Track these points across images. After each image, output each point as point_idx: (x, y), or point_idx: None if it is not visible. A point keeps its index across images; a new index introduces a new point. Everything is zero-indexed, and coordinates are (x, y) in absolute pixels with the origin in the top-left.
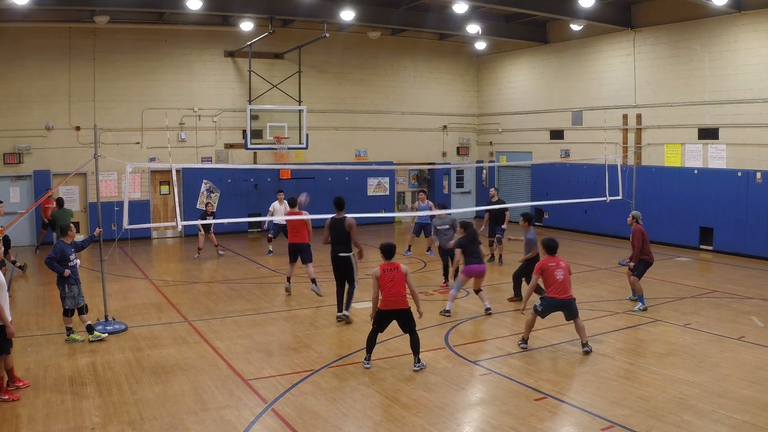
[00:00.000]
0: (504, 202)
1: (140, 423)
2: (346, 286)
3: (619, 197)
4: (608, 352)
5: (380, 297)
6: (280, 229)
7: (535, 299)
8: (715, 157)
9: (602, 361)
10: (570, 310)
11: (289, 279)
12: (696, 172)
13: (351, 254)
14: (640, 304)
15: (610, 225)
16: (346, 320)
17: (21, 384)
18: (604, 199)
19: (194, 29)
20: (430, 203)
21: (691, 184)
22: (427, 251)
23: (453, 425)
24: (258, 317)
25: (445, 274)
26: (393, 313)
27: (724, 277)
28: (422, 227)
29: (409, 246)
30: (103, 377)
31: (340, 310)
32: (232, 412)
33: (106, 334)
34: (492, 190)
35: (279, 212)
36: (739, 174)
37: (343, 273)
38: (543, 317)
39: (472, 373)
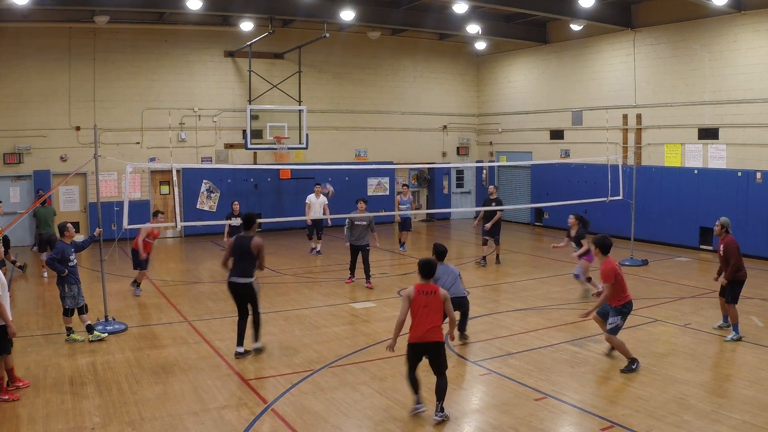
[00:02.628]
0: (501, 202)
1: (140, 423)
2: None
3: (620, 197)
4: (608, 352)
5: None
6: (315, 225)
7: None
8: (715, 157)
9: (602, 361)
10: None
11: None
12: (696, 172)
13: (253, 280)
14: (734, 333)
15: (610, 225)
16: (258, 352)
17: (21, 384)
18: (605, 199)
19: (194, 29)
20: (412, 198)
21: (691, 184)
22: (400, 246)
23: (453, 425)
24: None
25: (352, 269)
26: (423, 347)
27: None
28: (405, 220)
29: (402, 242)
30: (103, 377)
31: (240, 344)
32: (232, 412)
33: (106, 334)
34: (491, 188)
35: (315, 206)
36: (739, 174)
37: (245, 300)
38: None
39: (472, 373)
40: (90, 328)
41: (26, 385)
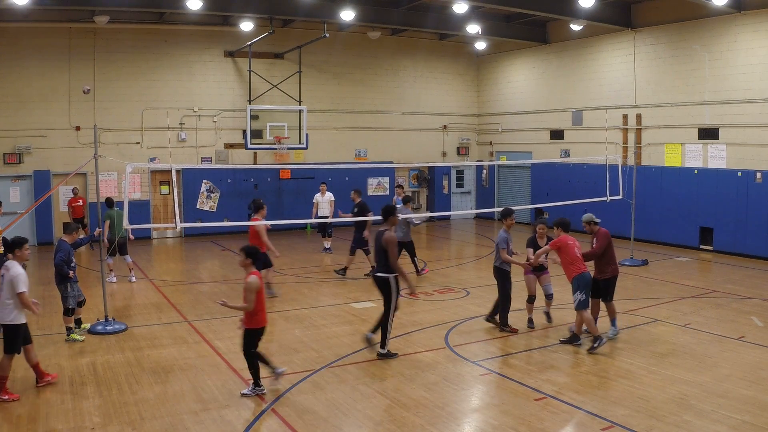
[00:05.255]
0: (366, 207)
1: (140, 423)
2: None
3: (620, 197)
4: (608, 352)
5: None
6: (323, 223)
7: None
8: (715, 157)
9: (602, 361)
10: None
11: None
12: (696, 172)
13: (392, 276)
14: (613, 328)
15: (610, 225)
16: (369, 344)
17: (50, 378)
18: (605, 199)
19: (194, 29)
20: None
21: (691, 184)
22: None
23: (453, 425)
24: None
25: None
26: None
27: (724, 277)
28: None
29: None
30: (103, 377)
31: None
32: (232, 412)
33: (83, 338)
34: (353, 193)
35: (322, 204)
36: (739, 174)
37: (382, 295)
38: (589, 303)
39: (472, 373)
40: (78, 322)
41: (54, 378)
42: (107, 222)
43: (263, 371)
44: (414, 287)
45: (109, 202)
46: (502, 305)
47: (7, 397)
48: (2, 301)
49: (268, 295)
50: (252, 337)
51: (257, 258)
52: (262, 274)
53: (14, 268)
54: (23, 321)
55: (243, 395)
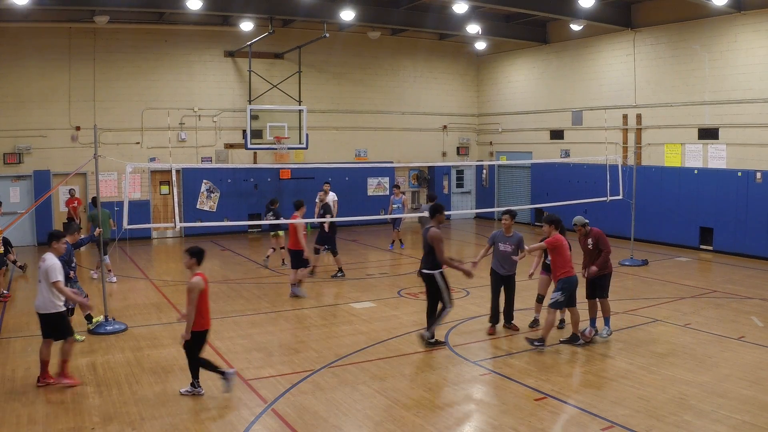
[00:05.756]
0: (329, 206)
1: (140, 423)
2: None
3: (620, 197)
4: (608, 352)
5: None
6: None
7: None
8: (715, 157)
9: (602, 361)
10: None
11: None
12: (696, 172)
13: (437, 272)
14: (607, 327)
15: (610, 225)
16: (424, 340)
17: (52, 381)
18: (605, 199)
19: (194, 29)
20: (404, 197)
21: (691, 184)
22: (391, 246)
23: (453, 425)
24: (258, 317)
25: None
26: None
27: (724, 277)
28: (394, 220)
29: (393, 241)
30: (103, 377)
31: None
32: (232, 412)
33: (83, 338)
34: (320, 194)
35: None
36: (739, 174)
37: (431, 292)
38: (569, 302)
39: (472, 373)
40: (89, 318)
41: (56, 382)
42: (90, 224)
43: (265, 370)
44: (469, 271)
45: (94, 202)
46: (508, 301)
47: (69, 381)
48: (44, 292)
49: (294, 295)
50: (195, 339)
51: (203, 257)
52: (297, 273)
53: (50, 259)
54: (63, 309)
55: (181, 394)
